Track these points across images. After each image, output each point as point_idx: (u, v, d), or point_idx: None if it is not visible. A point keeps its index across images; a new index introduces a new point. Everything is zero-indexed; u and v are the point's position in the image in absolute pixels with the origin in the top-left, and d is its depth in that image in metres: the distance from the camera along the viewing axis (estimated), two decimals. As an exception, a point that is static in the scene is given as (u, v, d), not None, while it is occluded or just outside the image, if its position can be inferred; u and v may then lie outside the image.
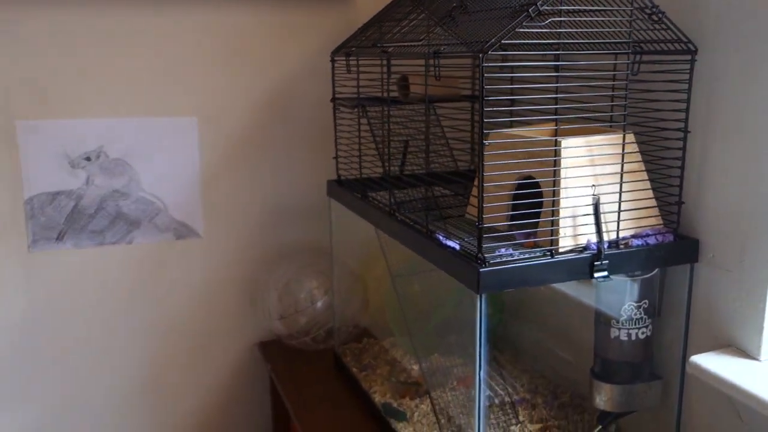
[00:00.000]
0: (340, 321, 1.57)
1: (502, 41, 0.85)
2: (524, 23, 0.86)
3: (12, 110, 1.42)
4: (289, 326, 1.57)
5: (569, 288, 1.19)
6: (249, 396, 1.71)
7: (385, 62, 1.17)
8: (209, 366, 1.67)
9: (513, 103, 1.27)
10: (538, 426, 1.17)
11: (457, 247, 0.97)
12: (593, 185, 0.95)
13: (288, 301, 1.56)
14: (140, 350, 1.61)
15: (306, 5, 1.56)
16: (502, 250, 0.93)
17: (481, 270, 0.88)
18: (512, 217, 1.00)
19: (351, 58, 1.30)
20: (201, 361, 1.66)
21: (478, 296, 0.90)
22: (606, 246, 0.95)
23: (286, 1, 1.55)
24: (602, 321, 1.06)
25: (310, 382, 1.48)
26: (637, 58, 0.97)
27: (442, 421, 1.20)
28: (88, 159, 1.49)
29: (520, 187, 0.99)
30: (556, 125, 0.99)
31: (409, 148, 1.33)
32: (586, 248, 0.95)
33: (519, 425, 1.17)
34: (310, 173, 1.63)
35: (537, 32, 0.87)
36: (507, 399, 1.22)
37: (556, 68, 0.92)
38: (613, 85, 0.94)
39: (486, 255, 0.90)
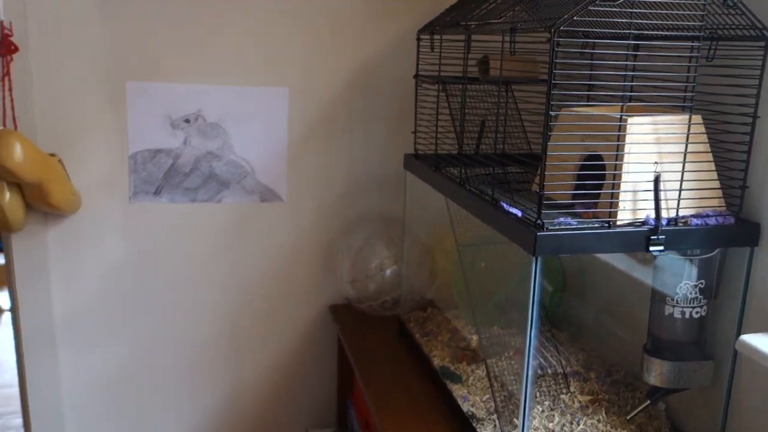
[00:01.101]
0: (407, 290, 1.65)
1: (575, 18, 0.90)
2: (597, 2, 0.91)
3: (123, 72, 1.56)
4: (359, 290, 1.65)
5: (629, 266, 1.23)
6: (318, 353, 1.82)
7: (465, 39, 1.23)
8: (283, 323, 1.78)
9: (590, 84, 1.31)
10: (588, 398, 1.21)
11: (520, 213, 1.02)
12: (656, 162, 0.98)
13: (360, 266, 1.65)
14: (221, 302, 1.74)
15: (397, -13, 1.64)
16: (562, 219, 0.98)
17: (538, 234, 0.93)
18: (575, 192, 1.04)
19: (435, 36, 1.37)
20: (276, 318, 1.78)
21: (534, 258, 0.95)
22: (665, 222, 0.98)
23: (378, -18, 1.63)
24: (657, 299, 1.09)
25: (374, 344, 1.57)
26: (712, 44, 1.00)
27: (495, 386, 1.26)
28: (187, 121, 1.62)
29: (585, 163, 1.04)
30: (622, 103, 1.03)
31: (485, 127, 1.39)
32: (644, 223, 0.98)
33: (569, 395, 1.21)
34: (389, 147, 1.72)
35: (610, 11, 0.92)
36: (560, 370, 1.26)
37: (628, 48, 0.96)
38: (688, 67, 0.97)
39: (545, 221, 0.96)
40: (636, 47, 0.97)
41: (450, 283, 1.61)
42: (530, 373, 1.01)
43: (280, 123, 1.67)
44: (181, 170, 1.65)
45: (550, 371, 1.26)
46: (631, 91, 1.00)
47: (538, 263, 0.96)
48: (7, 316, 3.57)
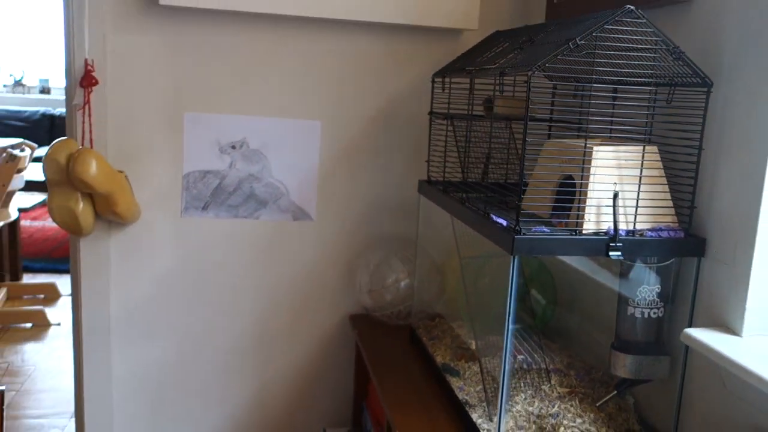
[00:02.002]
0: (419, 302, 1.86)
1: (547, 65, 1.13)
2: (564, 53, 1.14)
3: (182, 104, 1.84)
4: (376, 300, 1.87)
5: (607, 279, 1.43)
6: (337, 358, 2.03)
7: (469, 82, 1.47)
8: (306, 329, 2.00)
9: (568, 120, 1.53)
10: (566, 389, 1.40)
11: (505, 223, 1.24)
12: (615, 183, 1.20)
13: (377, 279, 1.87)
14: (253, 308, 1.97)
15: (422, 36, 1.90)
16: (538, 228, 1.20)
17: (515, 237, 1.15)
18: (554, 208, 1.26)
19: (446, 78, 1.61)
20: (300, 324, 2.00)
21: (512, 258, 1.16)
22: (623, 233, 1.19)
23: (406, 31, 1.89)
24: (622, 301, 1.28)
25: (387, 348, 1.78)
26: (670, 90, 1.22)
27: (487, 379, 1.45)
28: (233, 147, 1.88)
29: (562, 185, 1.26)
30: (596, 135, 1.25)
31: (490, 159, 1.62)
32: (606, 233, 1.19)
33: (549, 386, 1.40)
34: (405, 174, 1.95)
35: (574, 59, 1.14)
36: (543, 366, 1.45)
37: (591, 90, 1.19)
38: (648, 107, 1.19)
39: (522, 228, 1.17)
40: (602, 89, 1.19)
41: (455, 298, 1.81)
42: (508, 357, 1.22)
43: (313, 151, 1.92)
44: (226, 189, 1.90)
45: (534, 367, 1.45)
46: (587, 129, 1.22)
47: (515, 262, 1.17)
48: (55, 329, 3.86)
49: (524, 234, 1.16)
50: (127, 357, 1.92)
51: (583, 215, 1.19)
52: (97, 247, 1.84)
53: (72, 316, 1.96)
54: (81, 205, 1.71)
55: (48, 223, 6.05)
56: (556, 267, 1.68)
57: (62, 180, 1.68)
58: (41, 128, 6.71)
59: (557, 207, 1.26)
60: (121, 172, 1.77)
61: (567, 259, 1.57)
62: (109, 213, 1.76)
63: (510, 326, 1.20)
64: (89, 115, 1.72)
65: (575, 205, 1.21)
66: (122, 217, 1.78)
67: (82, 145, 1.72)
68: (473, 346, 1.65)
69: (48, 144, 5.50)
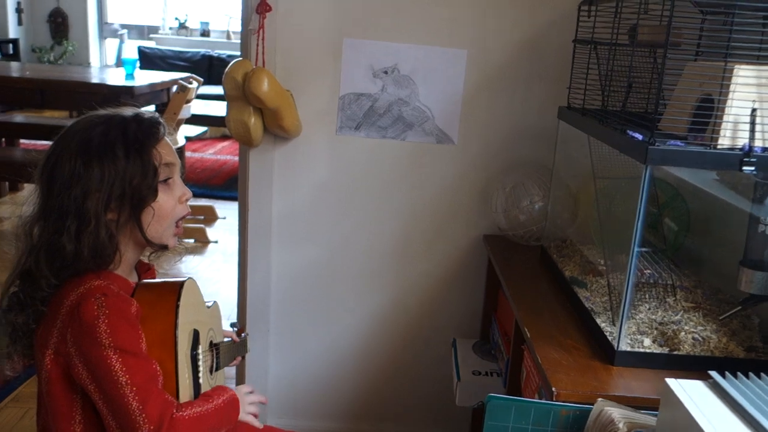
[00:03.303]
0: (551, 225, 1.96)
1: (693, -17, 1.19)
2: (712, -29, 1.18)
3: (342, 31, 2.02)
4: (510, 220, 1.99)
5: (738, 201, 1.47)
6: (469, 273, 2.18)
7: (615, 8, 1.53)
8: (442, 244, 2.17)
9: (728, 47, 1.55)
10: (691, 304, 1.47)
11: (641, 137, 1.32)
12: (754, 101, 1.24)
13: (512, 200, 1.99)
14: (396, 220, 2.15)
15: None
16: (673, 142, 1.27)
17: (649, 147, 1.23)
18: (691, 128, 1.32)
19: (592, 6, 1.67)
20: (437, 239, 2.16)
21: (645, 167, 1.25)
22: (759, 150, 1.23)
23: (551, -35, 1.96)
24: (753, 220, 1.33)
25: (518, 263, 1.90)
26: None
27: (614, 292, 1.55)
28: (385, 72, 2.04)
29: (700, 106, 1.31)
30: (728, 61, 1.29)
31: (632, 87, 1.67)
32: (741, 149, 1.24)
33: (674, 300, 1.48)
34: (546, 103, 2.03)
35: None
36: (670, 282, 1.52)
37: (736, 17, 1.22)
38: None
39: (656, 140, 1.25)
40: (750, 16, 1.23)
41: (587, 223, 1.90)
42: (632, 269, 1.31)
43: (458, 78, 2.04)
44: (377, 111, 2.08)
45: (660, 282, 1.53)
46: (740, 53, 1.26)
47: (647, 172, 1.25)
48: (212, 246, 4.29)
49: (657, 145, 1.24)
50: (284, 256, 2.18)
51: (719, 131, 1.25)
52: (263, 158, 2.09)
53: (238, 218, 2.23)
54: (253, 119, 1.95)
55: (206, 155, 6.60)
56: (690, 193, 1.72)
57: (238, 95, 1.92)
58: (201, 68, 7.26)
59: (694, 125, 1.31)
60: (287, 90, 1.99)
61: (701, 184, 1.61)
62: (276, 127, 1.98)
63: (639, 229, 1.29)
64: (262, 39, 1.94)
65: (712, 121, 1.26)
66: (287, 132, 2.00)
67: (256, 65, 1.95)
68: (602, 265, 1.74)
69: (207, 83, 5.94)
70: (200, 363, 1.26)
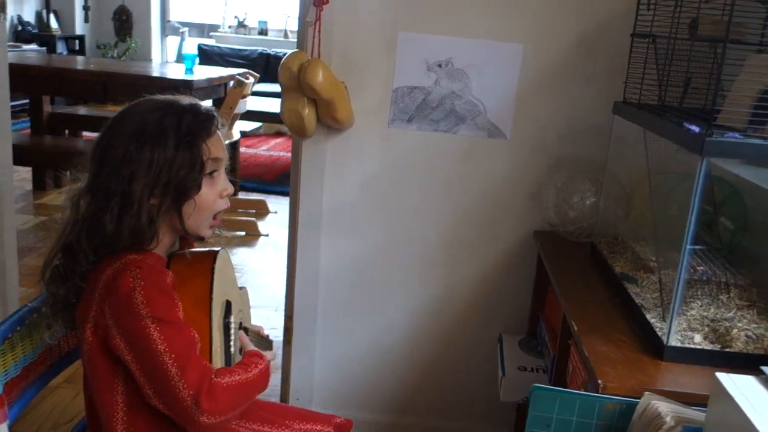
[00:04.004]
0: (602, 222, 1.93)
1: (756, -28, 1.16)
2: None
3: (397, 24, 2.04)
4: (560, 216, 1.98)
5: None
6: (518, 269, 2.17)
7: (676, 2, 1.51)
8: (492, 239, 2.16)
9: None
10: (745, 303, 1.43)
11: (697, 129, 1.30)
12: (818, 94, 1.21)
13: (563, 196, 1.97)
14: (446, 214, 2.16)
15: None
16: (732, 134, 1.24)
17: (706, 138, 1.21)
18: (751, 120, 1.29)
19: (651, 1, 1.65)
20: (487, 234, 2.16)
21: (701, 159, 1.23)
22: (821, 144, 1.20)
23: (610, -41, 1.94)
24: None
25: (568, 259, 1.89)
26: None
27: (665, 288, 1.52)
28: (439, 66, 2.06)
29: (761, 99, 1.28)
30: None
31: (690, 84, 1.64)
32: (803, 144, 1.21)
33: (728, 297, 1.44)
34: (600, 99, 2.01)
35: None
36: (723, 279, 1.49)
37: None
38: None
39: (715, 133, 1.23)
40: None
41: (640, 221, 1.87)
42: (686, 258, 1.29)
43: (513, 73, 2.04)
44: (430, 105, 2.09)
45: (714, 279, 1.50)
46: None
47: (703, 164, 1.23)
48: (263, 239, 4.37)
49: (714, 137, 1.22)
50: (333, 248, 2.21)
51: (780, 124, 1.22)
52: (316, 149, 2.13)
53: (289, 209, 2.28)
54: (307, 109, 1.99)
55: (259, 151, 6.71)
56: (748, 192, 1.68)
57: (293, 86, 1.96)
58: (258, 66, 7.41)
59: (754, 118, 1.29)
60: (342, 82, 2.01)
61: (760, 182, 1.57)
62: (330, 118, 2.02)
63: (693, 222, 1.27)
64: (319, 31, 1.98)
65: (773, 115, 1.24)
66: (340, 123, 2.03)
67: (311, 56, 1.98)
68: (653, 261, 1.71)
69: (263, 80, 6.03)
70: (232, 332, 1.28)
